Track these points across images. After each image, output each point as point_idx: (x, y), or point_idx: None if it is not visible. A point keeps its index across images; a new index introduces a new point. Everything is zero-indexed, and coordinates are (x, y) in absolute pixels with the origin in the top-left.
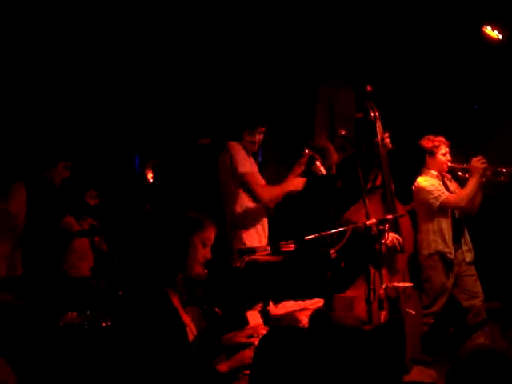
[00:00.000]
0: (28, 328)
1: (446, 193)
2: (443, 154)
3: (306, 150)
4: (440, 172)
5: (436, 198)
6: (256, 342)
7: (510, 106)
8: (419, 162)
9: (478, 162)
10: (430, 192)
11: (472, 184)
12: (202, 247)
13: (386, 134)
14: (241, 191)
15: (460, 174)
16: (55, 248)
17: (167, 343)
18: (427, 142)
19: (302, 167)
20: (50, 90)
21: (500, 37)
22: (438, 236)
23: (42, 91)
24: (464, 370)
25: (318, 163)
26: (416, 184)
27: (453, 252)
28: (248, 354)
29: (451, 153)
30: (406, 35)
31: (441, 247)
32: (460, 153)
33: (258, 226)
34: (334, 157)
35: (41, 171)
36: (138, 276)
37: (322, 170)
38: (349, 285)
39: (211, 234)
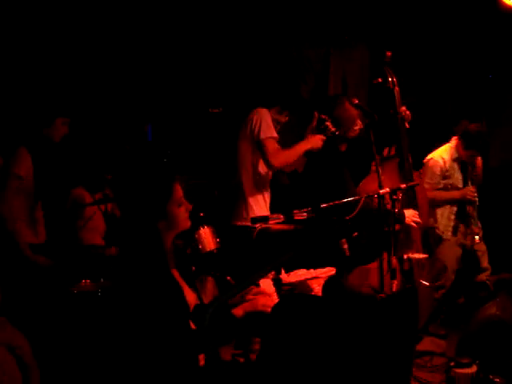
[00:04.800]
0: (43, 296)
1: None
2: None
3: (316, 113)
4: None
5: None
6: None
7: None
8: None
9: None
10: None
11: None
12: (177, 207)
13: (404, 108)
14: (256, 159)
15: None
16: (66, 217)
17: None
18: None
19: (313, 129)
20: (57, 58)
21: None
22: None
23: (48, 58)
24: (474, 340)
25: (327, 123)
26: None
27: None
28: (262, 301)
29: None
30: (420, 3)
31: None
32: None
33: (265, 196)
34: (357, 127)
35: (40, 129)
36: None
37: (333, 129)
38: (369, 257)
39: (179, 192)
